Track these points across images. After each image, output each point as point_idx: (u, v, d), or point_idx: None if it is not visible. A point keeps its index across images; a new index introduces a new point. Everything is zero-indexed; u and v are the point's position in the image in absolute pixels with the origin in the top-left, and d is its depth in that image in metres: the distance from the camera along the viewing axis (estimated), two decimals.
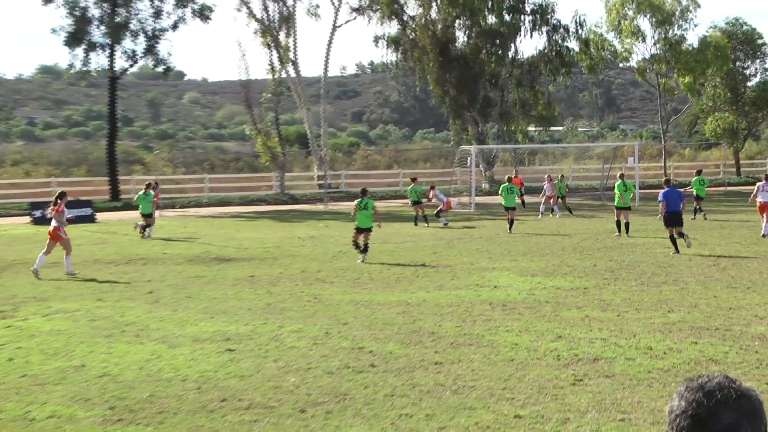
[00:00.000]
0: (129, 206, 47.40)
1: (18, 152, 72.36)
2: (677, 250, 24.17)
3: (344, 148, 79.28)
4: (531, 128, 63.91)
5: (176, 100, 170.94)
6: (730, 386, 2.61)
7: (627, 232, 29.11)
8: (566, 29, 57.83)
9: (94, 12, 50.21)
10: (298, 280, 20.48)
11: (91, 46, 50.59)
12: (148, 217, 32.86)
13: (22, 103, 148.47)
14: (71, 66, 51.81)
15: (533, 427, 9.17)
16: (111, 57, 50.68)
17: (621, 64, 71.18)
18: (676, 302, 16.45)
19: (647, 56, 61.82)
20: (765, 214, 27.94)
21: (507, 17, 57.01)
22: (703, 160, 71.88)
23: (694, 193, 36.27)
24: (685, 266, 21.54)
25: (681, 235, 24.51)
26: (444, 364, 11.93)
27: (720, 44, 58.76)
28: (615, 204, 29.66)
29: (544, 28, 57.47)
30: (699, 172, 37.41)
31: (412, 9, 58.54)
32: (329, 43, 60.71)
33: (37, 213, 39.90)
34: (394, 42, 59.09)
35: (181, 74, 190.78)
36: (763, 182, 28.30)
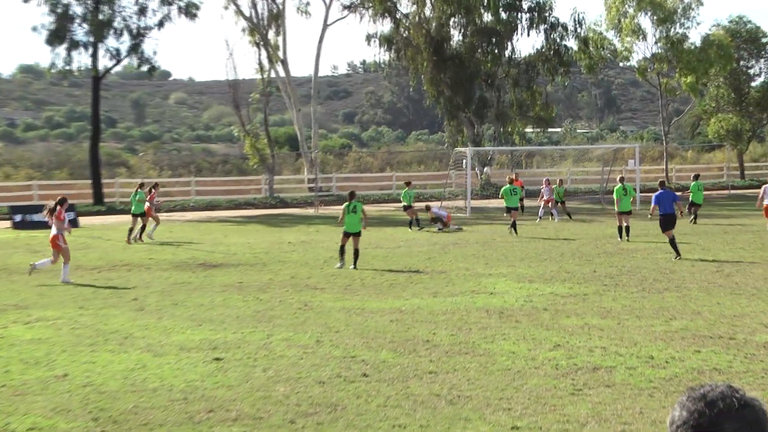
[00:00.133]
0: (113, 210, 47.38)
1: None
2: (678, 254, 24.29)
3: (335, 150, 79.28)
4: (528, 130, 63.91)
5: (162, 101, 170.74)
6: (733, 396, 2.62)
7: (627, 235, 29.19)
8: (565, 27, 57.93)
9: (77, 9, 50.17)
10: (288, 287, 20.47)
11: (74, 45, 50.52)
12: (141, 217, 32.87)
13: (1, 103, 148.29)
14: (53, 65, 51.73)
15: None
16: (94, 56, 50.63)
17: (621, 64, 71.35)
18: (679, 309, 16.48)
19: (648, 55, 61.95)
20: None
21: (503, 15, 57.07)
22: (706, 163, 72.03)
23: (690, 198, 36.35)
24: (687, 272, 21.58)
25: (673, 243, 24.80)
26: (439, 374, 11.93)
27: (723, 43, 58.88)
28: (616, 209, 29.63)
29: (542, 27, 57.54)
30: (696, 177, 37.44)
31: (405, 6, 58.63)
32: (320, 42, 60.68)
33: (18, 217, 39.84)
34: (386, 41, 59.11)
35: (167, 74, 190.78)
36: None
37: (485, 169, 55.09)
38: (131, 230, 32.51)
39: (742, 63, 64.27)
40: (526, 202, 44.09)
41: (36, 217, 39.59)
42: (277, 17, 57.30)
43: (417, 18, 57.42)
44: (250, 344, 14.05)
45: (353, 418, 10.02)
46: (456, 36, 58.26)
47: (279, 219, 43.33)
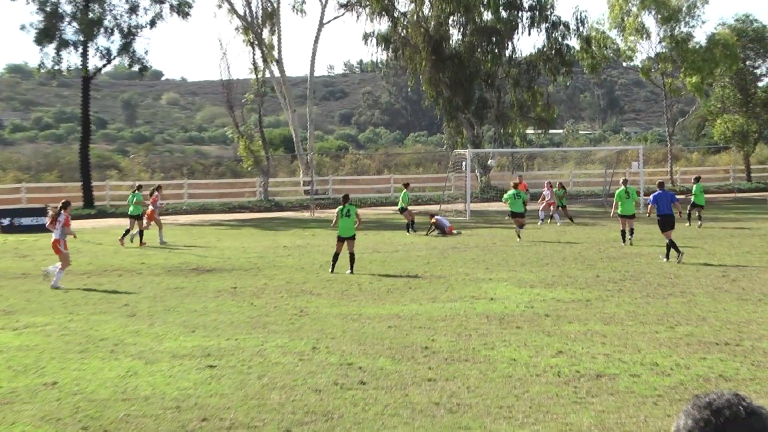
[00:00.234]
0: (103, 213, 47.37)
1: None
2: (680, 252, 24.54)
3: (332, 152, 79.27)
4: (529, 131, 63.96)
5: (153, 101, 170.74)
6: (740, 404, 2.63)
7: (631, 238, 29.23)
8: (566, 26, 57.98)
9: (66, 8, 50.22)
10: (283, 292, 20.47)
11: (63, 44, 50.54)
12: (138, 219, 32.99)
13: None
14: (42, 65, 51.75)
15: None
16: (84, 55, 50.66)
17: (624, 64, 71.45)
18: (684, 315, 16.49)
19: (652, 55, 62.07)
20: None
21: (504, 13, 57.12)
22: (711, 165, 72.15)
23: (692, 200, 36.42)
24: (692, 277, 21.60)
25: (669, 246, 25.02)
26: (438, 381, 11.93)
27: (729, 42, 58.96)
28: (619, 213, 29.68)
29: (543, 25, 57.59)
30: (698, 180, 37.49)
31: (403, 5, 58.66)
32: (316, 41, 60.68)
33: (6, 221, 39.83)
34: (384, 40, 59.14)
35: (159, 74, 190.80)
36: None
37: (490, 161, 55.01)
38: (128, 231, 32.69)
39: (748, 63, 64.34)
40: (528, 206, 44.13)
41: (25, 221, 39.62)
42: (271, 16, 57.32)
43: (415, 16, 57.46)
44: (245, 351, 14.04)
45: (350, 427, 10.02)
46: (455, 35, 58.37)
47: (274, 222, 43.32)
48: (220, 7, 57.42)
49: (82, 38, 50.31)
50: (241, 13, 56.98)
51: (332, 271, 23.76)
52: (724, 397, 2.65)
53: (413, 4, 57.72)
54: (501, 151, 57.23)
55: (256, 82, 57.28)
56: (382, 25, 59.53)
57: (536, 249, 28.98)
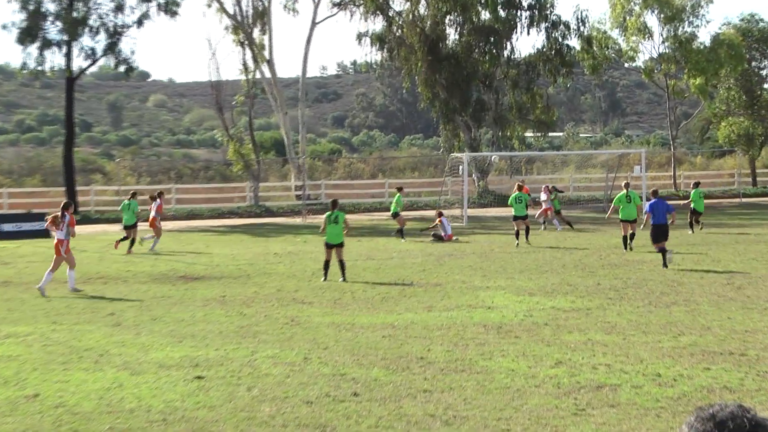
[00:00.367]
0: (87, 219, 47.29)
1: None
2: (665, 265, 24.79)
3: (324, 156, 79.29)
4: (528, 134, 64.04)
5: (140, 104, 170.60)
6: (744, 416, 2.63)
7: (631, 243, 29.28)
8: (567, 26, 58.11)
9: (50, 6, 50.24)
10: (274, 301, 20.45)
11: (47, 44, 50.51)
12: (132, 228, 33.13)
13: None
14: (24, 65, 51.72)
15: None
16: (68, 55, 50.61)
17: (626, 64, 71.65)
18: (687, 324, 16.50)
19: (655, 55, 62.23)
20: None
21: (502, 13, 57.23)
22: (716, 169, 72.24)
23: (692, 206, 36.55)
24: (696, 285, 21.62)
25: (663, 252, 25.20)
26: (433, 393, 11.93)
27: (734, 42, 59.10)
28: (621, 218, 29.75)
29: (543, 25, 57.73)
30: (697, 185, 37.63)
31: (398, 4, 58.79)
32: (308, 41, 60.70)
33: None
34: (379, 40, 59.22)
35: (146, 75, 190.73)
36: None
37: (494, 158, 55.08)
38: (126, 238, 32.94)
39: (754, 64, 64.49)
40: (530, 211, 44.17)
41: (6, 227, 39.55)
42: (262, 15, 57.36)
43: (411, 16, 57.54)
44: (234, 362, 14.03)
45: None
46: (452, 35, 58.48)
47: (264, 228, 43.31)
48: (209, 6, 57.49)
49: (66, 38, 50.29)
50: (231, 12, 57.08)
51: (324, 279, 23.76)
52: (728, 408, 2.65)
53: (409, 3, 57.85)
54: (499, 155, 57.28)
55: (247, 84, 57.31)
56: (377, 24, 59.72)
57: (535, 256, 29.00)
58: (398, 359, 13.99)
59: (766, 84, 66.67)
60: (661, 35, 61.06)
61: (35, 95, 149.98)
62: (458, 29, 57.95)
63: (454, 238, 34.87)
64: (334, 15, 60.88)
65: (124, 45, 52.85)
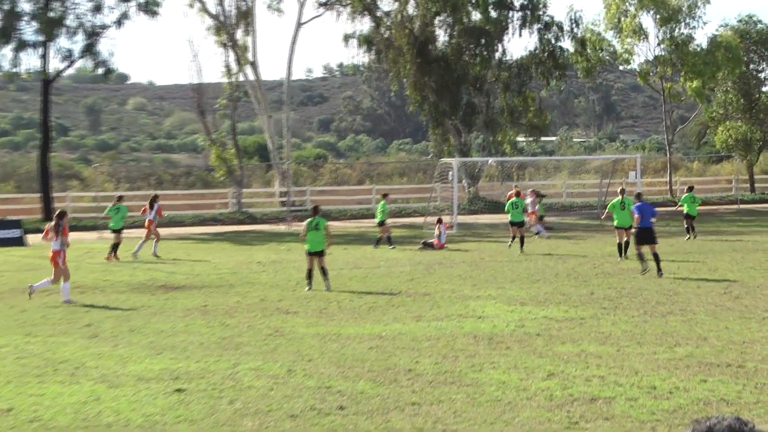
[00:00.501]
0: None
1: None
2: (645, 270, 25.14)
3: (310, 161, 79.30)
4: (520, 138, 64.12)
5: (119, 107, 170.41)
6: (742, 429, 2.64)
7: (626, 252, 29.36)
8: (560, 27, 58.20)
9: (25, 6, 50.14)
10: (257, 311, 20.43)
11: (22, 45, 50.40)
12: (118, 233, 33.29)
13: None
14: None
15: None
16: (44, 57, 50.52)
17: (621, 67, 71.65)
18: (683, 335, 16.54)
19: (650, 58, 62.35)
20: None
21: (493, 13, 57.32)
22: (713, 175, 72.45)
23: (685, 211, 36.84)
24: (693, 294, 21.68)
25: (657, 258, 25.39)
26: (422, 405, 11.93)
27: (732, 44, 59.28)
28: (615, 224, 29.85)
29: (535, 26, 57.80)
30: (690, 189, 37.91)
31: (386, 4, 58.81)
32: (293, 43, 60.71)
33: None
34: (366, 41, 59.25)
35: (125, 77, 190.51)
36: None
37: (489, 161, 55.07)
38: (117, 245, 32.97)
39: (752, 66, 64.66)
40: (498, 218, 44.26)
41: None
42: (246, 15, 57.34)
43: (399, 16, 57.56)
44: (215, 374, 14.01)
45: None
46: (442, 36, 58.50)
47: (248, 236, 43.25)
48: (191, 6, 57.37)
49: (42, 39, 50.19)
50: (214, 12, 57.01)
51: (309, 289, 23.74)
52: (726, 421, 2.66)
53: (397, 3, 57.86)
54: (492, 159, 57.26)
55: (229, 86, 57.25)
56: (364, 25, 59.70)
57: (527, 264, 29.04)
58: (386, 371, 13.99)
59: (765, 87, 66.84)
60: (657, 37, 61.21)
61: (10, 98, 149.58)
62: (448, 30, 58.00)
63: (445, 246, 34.82)
64: (320, 15, 60.99)
65: (103, 46, 52.92)
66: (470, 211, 53.28)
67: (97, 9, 51.06)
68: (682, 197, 37.81)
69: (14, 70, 51.32)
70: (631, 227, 29.81)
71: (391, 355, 15.26)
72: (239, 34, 57.47)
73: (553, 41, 58.16)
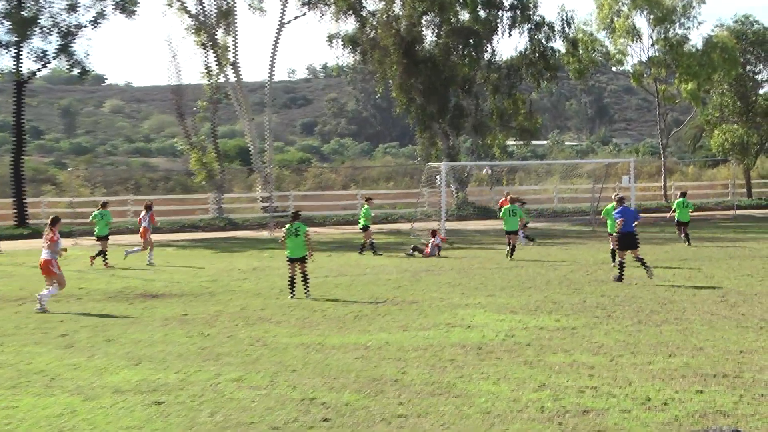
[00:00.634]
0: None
1: None
2: (621, 278, 25.37)
3: (293, 165, 79.28)
4: (510, 142, 64.27)
5: (95, 109, 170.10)
6: None
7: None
8: (551, 27, 58.33)
9: None
10: (239, 320, 20.40)
11: None
12: (104, 240, 33.39)
13: None
14: None
15: None
16: (17, 57, 50.34)
17: (614, 68, 71.91)
18: (679, 344, 16.58)
19: (644, 59, 62.60)
20: None
21: (482, 13, 57.42)
22: (708, 180, 72.67)
23: (676, 218, 37.02)
24: (688, 302, 21.74)
25: (641, 261, 25.74)
26: (409, 418, 11.93)
27: (728, 45, 59.52)
28: (609, 230, 29.94)
29: (526, 26, 57.93)
30: (683, 194, 38.05)
31: (372, 3, 58.85)
32: (275, 43, 60.73)
33: None
34: (351, 41, 59.28)
35: (101, 78, 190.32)
36: None
37: (485, 170, 55.23)
38: (101, 252, 32.95)
39: (748, 68, 64.83)
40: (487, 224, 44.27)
41: None
42: (226, 14, 57.31)
43: (385, 16, 57.64)
44: (195, 385, 13.98)
45: None
46: (429, 36, 58.58)
47: (228, 243, 43.21)
48: (170, 5, 57.33)
49: (14, 39, 50.01)
50: (193, 11, 56.97)
51: (292, 297, 23.73)
52: None
53: (383, 3, 57.91)
54: (479, 164, 57.40)
55: (210, 88, 57.22)
56: (349, 25, 59.71)
57: (518, 272, 29.07)
58: (371, 382, 13.99)
59: (762, 89, 67.05)
60: (651, 37, 61.45)
61: None
62: (436, 30, 58.07)
63: (432, 255, 34.68)
64: (304, 15, 60.97)
65: (78, 46, 52.30)
66: (459, 217, 53.35)
67: (73, 8, 50.90)
68: (676, 202, 37.96)
69: None
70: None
71: (377, 365, 15.26)
72: (220, 34, 57.47)
73: (543, 42, 58.28)
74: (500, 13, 57.80)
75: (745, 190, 66.44)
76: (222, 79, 58.09)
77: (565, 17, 58.72)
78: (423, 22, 57.89)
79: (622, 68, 68.00)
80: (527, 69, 58.35)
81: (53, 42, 51.12)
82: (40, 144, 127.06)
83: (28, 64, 51.94)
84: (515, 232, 33.79)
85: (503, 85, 58.52)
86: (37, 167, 77.06)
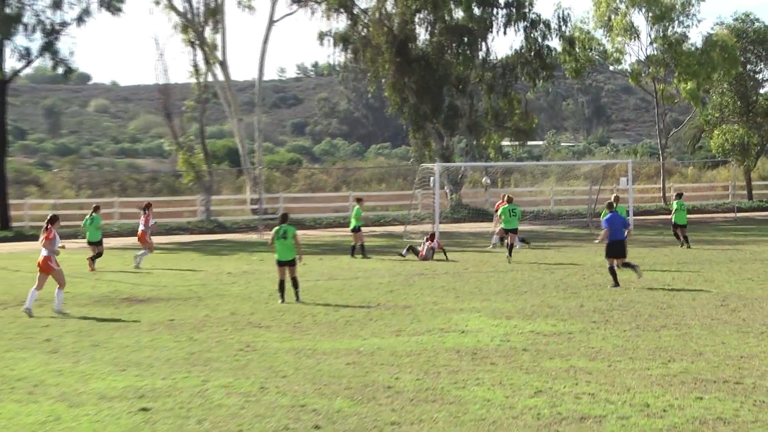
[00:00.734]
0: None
1: None
2: (617, 284, 25.33)
3: (283, 167, 79.27)
4: (505, 143, 64.26)
5: (80, 109, 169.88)
6: None
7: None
8: (547, 25, 58.36)
9: None
10: (228, 325, 20.38)
11: None
12: (98, 245, 33.54)
13: None
14: None
15: None
16: (0, 56, 50.28)
17: (611, 67, 71.99)
18: (678, 350, 16.60)
19: (642, 58, 62.68)
20: None
21: (476, 11, 57.47)
22: (708, 181, 72.75)
23: (673, 220, 37.09)
24: (687, 307, 21.76)
25: (628, 266, 25.87)
26: (402, 425, 11.93)
27: (728, 44, 59.59)
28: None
29: (521, 24, 57.97)
30: (679, 196, 38.09)
31: (364, 1, 58.86)
32: (265, 41, 60.72)
33: None
34: (342, 39, 59.26)
35: (86, 77, 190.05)
36: None
37: (484, 179, 55.25)
38: (97, 256, 33.14)
39: (749, 67, 64.92)
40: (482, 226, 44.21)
41: None
42: (215, 12, 57.31)
43: (377, 14, 57.64)
44: (183, 392, 13.97)
45: None
46: (422, 35, 58.58)
47: (217, 246, 43.17)
48: (157, 3, 57.29)
49: None
50: (181, 9, 56.99)
51: (282, 301, 23.72)
52: None
53: (375, 0, 57.89)
54: (474, 165, 57.39)
55: (198, 87, 57.21)
56: (340, 23, 59.70)
57: (513, 275, 29.08)
58: (364, 388, 13.98)
59: (762, 89, 67.13)
60: (649, 36, 61.55)
61: None
62: (429, 28, 58.07)
63: (427, 259, 34.61)
64: (294, 13, 60.90)
65: (63, 44, 52.74)
66: (453, 219, 53.37)
67: (57, 5, 50.87)
68: (673, 203, 38.01)
69: None
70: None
71: (369, 371, 15.25)
72: (208, 32, 57.48)
73: (539, 40, 58.30)
74: (495, 10, 57.84)
75: (745, 191, 66.46)
76: (210, 78, 58.12)
77: (561, 15, 58.78)
78: (416, 19, 57.89)
79: (619, 67, 68.08)
80: (523, 68, 58.38)
81: (37, 40, 51.20)
82: (23, 144, 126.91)
83: (11, 63, 51.87)
84: (515, 231, 33.91)
85: (498, 85, 58.57)
86: (21, 168, 76.98)
